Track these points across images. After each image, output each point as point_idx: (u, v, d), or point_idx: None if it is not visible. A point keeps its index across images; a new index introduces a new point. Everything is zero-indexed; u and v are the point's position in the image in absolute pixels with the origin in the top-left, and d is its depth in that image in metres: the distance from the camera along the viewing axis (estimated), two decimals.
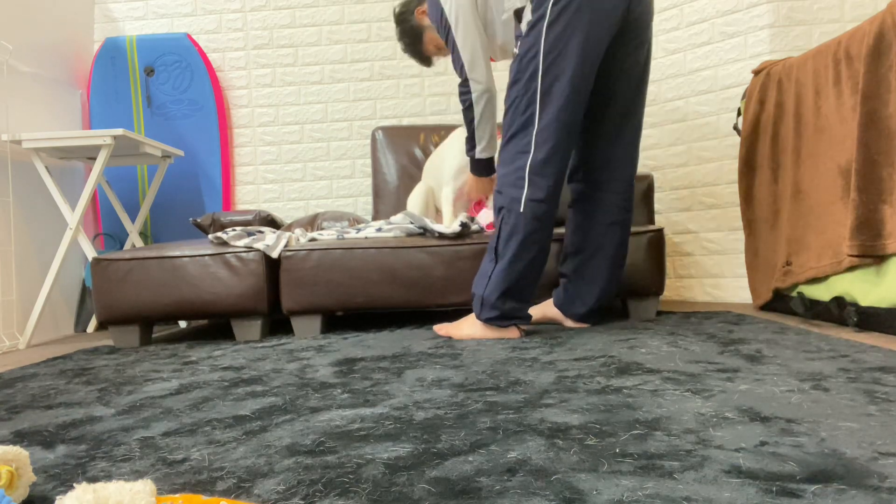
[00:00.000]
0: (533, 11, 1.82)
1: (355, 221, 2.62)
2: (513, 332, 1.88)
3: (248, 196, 3.25)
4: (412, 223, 2.32)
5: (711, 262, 2.75)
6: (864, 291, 1.75)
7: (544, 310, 2.11)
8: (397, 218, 2.39)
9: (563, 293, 2.05)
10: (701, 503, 0.65)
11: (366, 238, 2.29)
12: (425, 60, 2.41)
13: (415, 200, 2.62)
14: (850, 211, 1.73)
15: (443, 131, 3.04)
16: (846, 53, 1.83)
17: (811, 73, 2.00)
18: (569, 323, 2.06)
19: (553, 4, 1.76)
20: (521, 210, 1.82)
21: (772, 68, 2.25)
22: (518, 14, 1.90)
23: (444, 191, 2.50)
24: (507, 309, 1.86)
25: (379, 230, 2.33)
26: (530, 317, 1.91)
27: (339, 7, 3.21)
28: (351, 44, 3.22)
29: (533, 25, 1.81)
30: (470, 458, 0.82)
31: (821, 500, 0.64)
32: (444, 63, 3.21)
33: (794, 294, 2.09)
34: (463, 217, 2.24)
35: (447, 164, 2.52)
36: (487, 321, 1.87)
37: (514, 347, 1.69)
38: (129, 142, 2.49)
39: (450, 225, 2.33)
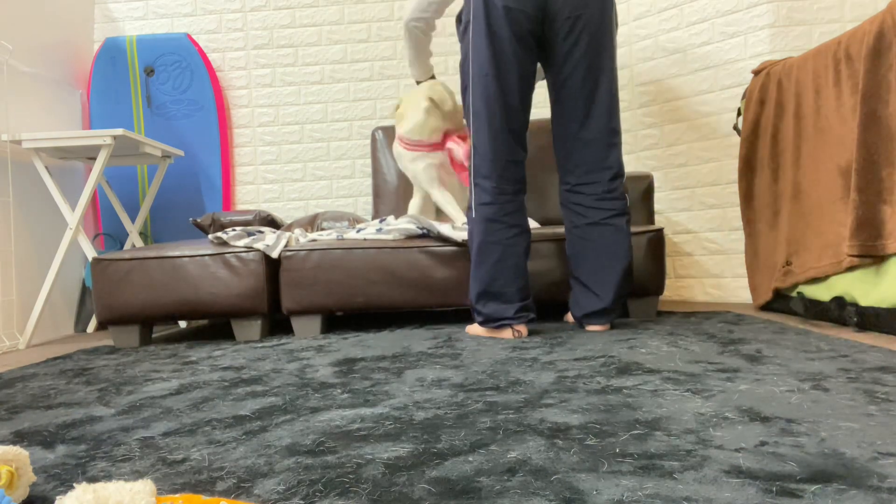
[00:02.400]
0: (462, 17, 1.91)
1: (355, 221, 2.62)
2: (506, 334, 1.88)
3: (248, 196, 3.25)
4: (414, 224, 2.30)
5: (711, 262, 2.75)
6: (864, 291, 1.75)
7: (568, 314, 2.16)
8: (398, 220, 2.38)
9: (571, 296, 2.03)
10: (701, 503, 0.65)
11: (364, 239, 2.28)
12: None
13: (414, 208, 2.61)
14: (850, 211, 1.73)
15: None
16: (846, 53, 1.83)
17: (811, 73, 2.00)
18: (588, 327, 1.97)
19: (470, 12, 1.85)
20: (474, 216, 1.92)
21: (772, 68, 2.25)
22: (458, 18, 1.98)
23: (433, 194, 2.49)
24: (490, 311, 1.88)
25: (379, 230, 2.32)
26: (525, 317, 1.88)
27: (339, 7, 3.21)
28: (351, 44, 3.22)
29: (463, 32, 1.91)
30: (470, 458, 0.82)
31: (821, 500, 0.64)
32: (443, 64, 3.21)
33: (794, 294, 2.09)
34: None
35: (411, 172, 2.53)
36: (480, 324, 1.94)
37: (514, 347, 1.69)
38: (129, 142, 2.49)
39: (458, 223, 2.33)
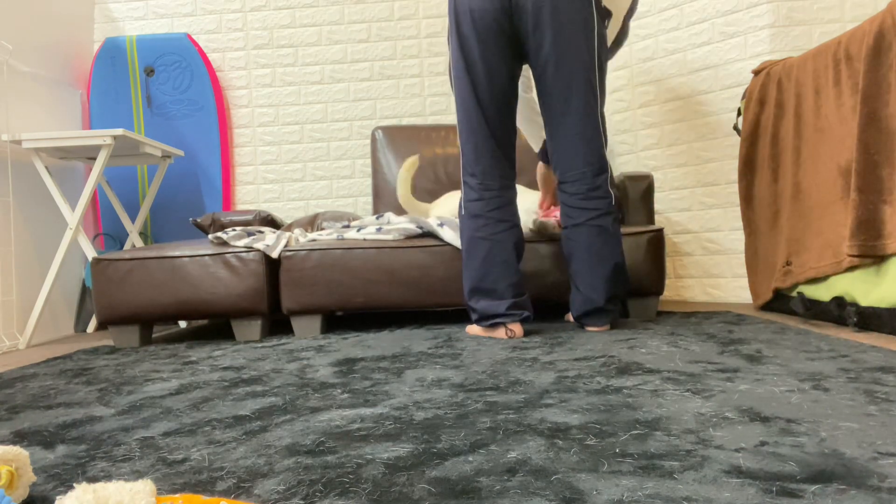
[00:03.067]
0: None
1: (354, 221, 2.62)
2: (500, 333, 1.87)
3: (248, 196, 3.25)
4: (413, 224, 2.30)
5: (711, 262, 2.75)
6: (864, 291, 1.75)
7: (568, 314, 2.16)
8: (397, 219, 2.37)
9: (570, 297, 2.02)
10: (701, 503, 0.65)
11: (364, 239, 2.28)
12: None
13: (445, 209, 2.58)
14: (850, 211, 1.73)
15: (443, 131, 3.04)
16: (846, 53, 1.83)
17: (811, 73, 2.00)
18: (587, 327, 1.97)
19: (448, 15, 1.95)
20: (463, 213, 1.95)
21: (772, 68, 2.25)
22: None
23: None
24: (482, 308, 1.89)
25: (379, 230, 2.32)
26: (518, 315, 1.87)
27: (339, 7, 3.21)
28: (351, 44, 3.22)
29: (448, 38, 1.97)
30: (470, 458, 0.82)
31: (821, 500, 0.64)
32: (443, 63, 3.21)
33: (794, 294, 2.09)
34: None
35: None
36: (475, 322, 1.94)
37: (514, 347, 1.69)
38: (129, 142, 2.49)
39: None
